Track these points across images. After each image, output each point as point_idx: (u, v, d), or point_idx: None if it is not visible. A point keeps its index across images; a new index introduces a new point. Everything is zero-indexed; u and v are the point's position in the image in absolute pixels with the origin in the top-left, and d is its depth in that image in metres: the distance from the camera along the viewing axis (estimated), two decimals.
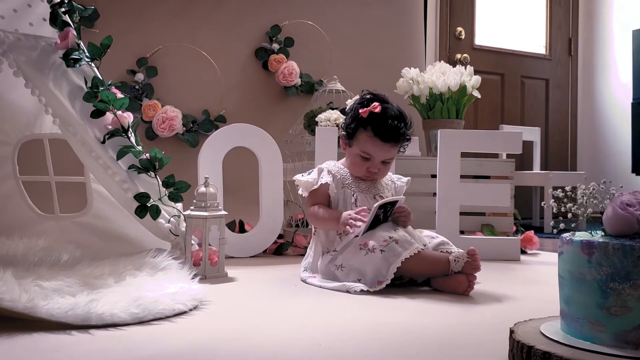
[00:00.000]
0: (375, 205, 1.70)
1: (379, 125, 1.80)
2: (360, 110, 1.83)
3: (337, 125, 2.58)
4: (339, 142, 2.00)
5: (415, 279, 1.74)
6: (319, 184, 1.84)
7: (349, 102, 2.73)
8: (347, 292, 1.67)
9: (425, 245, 1.75)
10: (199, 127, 3.08)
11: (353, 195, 1.83)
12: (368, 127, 1.81)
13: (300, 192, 1.90)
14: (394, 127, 1.80)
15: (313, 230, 1.91)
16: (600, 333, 0.98)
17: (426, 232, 1.87)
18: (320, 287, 1.75)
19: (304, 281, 1.84)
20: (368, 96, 1.87)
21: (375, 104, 1.82)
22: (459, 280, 1.66)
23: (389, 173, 1.96)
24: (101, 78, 1.96)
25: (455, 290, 1.66)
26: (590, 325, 0.99)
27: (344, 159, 1.94)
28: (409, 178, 1.99)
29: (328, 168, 1.88)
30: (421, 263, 1.67)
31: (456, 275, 1.67)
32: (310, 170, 1.92)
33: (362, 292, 1.65)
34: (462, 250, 1.72)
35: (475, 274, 1.68)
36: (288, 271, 2.05)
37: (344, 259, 1.74)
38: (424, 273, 1.72)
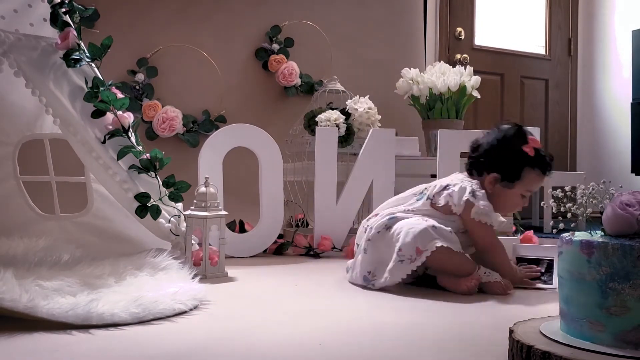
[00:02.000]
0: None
1: (544, 162, 1.73)
2: (524, 149, 1.70)
3: (337, 126, 2.58)
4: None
5: (434, 275, 1.73)
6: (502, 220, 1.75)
7: (349, 103, 2.72)
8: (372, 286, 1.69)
9: None
10: (199, 127, 3.08)
11: None
12: (536, 167, 1.72)
13: (479, 218, 1.70)
14: (549, 156, 1.75)
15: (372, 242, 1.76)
16: (599, 333, 0.98)
17: None
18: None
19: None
20: (513, 128, 1.73)
21: (532, 137, 1.72)
22: (463, 279, 1.67)
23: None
24: (102, 78, 1.97)
25: (457, 289, 1.66)
26: (590, 325, 0.99)
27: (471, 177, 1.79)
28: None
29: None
30: (450, 258, 1.65)
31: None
32: (472, 191, 1.71)
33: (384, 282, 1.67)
34: None
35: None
36: (288, 271, 2.05)
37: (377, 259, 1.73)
38: (449, 269, 1.69)
